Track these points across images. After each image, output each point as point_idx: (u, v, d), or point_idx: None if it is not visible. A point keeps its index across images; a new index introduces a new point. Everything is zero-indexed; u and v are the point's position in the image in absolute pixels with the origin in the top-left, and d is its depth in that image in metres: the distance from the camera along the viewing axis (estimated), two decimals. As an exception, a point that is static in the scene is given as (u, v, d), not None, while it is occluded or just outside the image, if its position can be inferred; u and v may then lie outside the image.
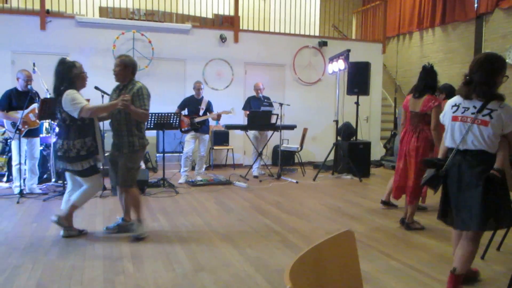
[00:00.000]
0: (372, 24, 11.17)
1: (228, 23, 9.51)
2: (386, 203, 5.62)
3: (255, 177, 7.86)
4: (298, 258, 1.17)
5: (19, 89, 5.97)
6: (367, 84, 8.38)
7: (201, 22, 9.43)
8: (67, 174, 4.27)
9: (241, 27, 9.42)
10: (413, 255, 3.81)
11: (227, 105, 7.73)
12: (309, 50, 9.86)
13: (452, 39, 10.69)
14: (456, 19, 10.44)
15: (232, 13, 9.53)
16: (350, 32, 12.11)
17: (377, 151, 10.27)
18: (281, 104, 7.73)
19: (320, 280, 1.29)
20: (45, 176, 6.77)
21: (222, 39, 9.07)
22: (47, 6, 8.10)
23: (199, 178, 7.26)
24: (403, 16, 12.13)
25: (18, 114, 5.80)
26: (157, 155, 8.50)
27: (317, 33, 10.65)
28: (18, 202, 5.49)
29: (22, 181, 5.95)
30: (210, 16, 9.75)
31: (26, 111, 5.80)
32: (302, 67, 9.79)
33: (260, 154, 7.94)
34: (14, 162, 6.00)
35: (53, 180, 6.78)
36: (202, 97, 7.30)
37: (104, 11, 8.88)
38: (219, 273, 3.34)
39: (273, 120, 7.71)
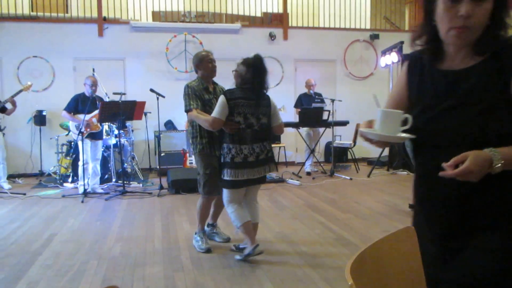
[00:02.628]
0: (426, 13, 10.73)
1: (277, 21, 9.50)
2: None
3: (308, 174, 7.81)
4: (357, 256, 1.15)
5: (87, 94, 6.31)
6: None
7: (250, 21, 9.49)
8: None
9: (290, 24, 9.38)
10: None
11: (278, 103, 7.65)
12: (360, 43, 9.65)
13: None
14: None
15: (281, 11, 9.52)
16: (403, 23, 11.72)
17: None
18: (332, 100, 7.63)
19: (381, 278, 1.26)
20: (106, 176, 7.10)
21: (272, 37, 9.08)
22: (104, 14, 8.47)
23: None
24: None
25: (82, 117, 6.13)
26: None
27: (368, 26, 10.39)
28: (82, 201, 5.80)
29: (86, 181, 6.27)
30: (259, 14, 9.78)
31: (89, 115, 6.11)
32: (353, 61, 9.60)
33: (312, 151, 7.89)
34: (79, 163, 6.34)
35: (113, 180, 7.09)
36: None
37: (156, 15, 9.15)
38: (275, 270, 3.35)
39: (325, 116, 7.63)
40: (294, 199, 5.89)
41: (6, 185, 6.72)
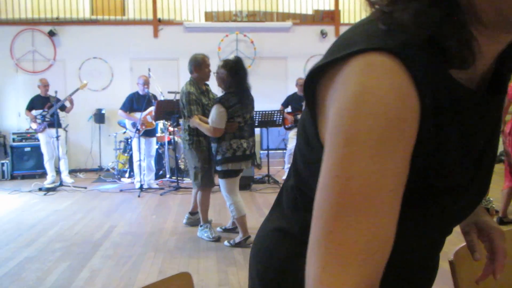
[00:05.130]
0: None
1: (328, 18, 9.41)
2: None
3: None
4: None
5: (140, 93, 6.56)
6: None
7: (301, 19, 9.45)
8: None
9: (341, 21, 9.25)
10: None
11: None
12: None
13: None
14: None
15: (332, 8, 9.41)
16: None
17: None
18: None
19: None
20: (160, 172, 7.33)
21: (323, 34, 9.00)
22: (159, 15, 8.74)
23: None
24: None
25: (137, 115, 6.37)
26: (261, 152, 8.72)
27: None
28: (139, 196, 6.03)
29: (141, 176, 6.52)
30: (310, 12, 9.72)
31: (144, 113, 6.34)
32: None
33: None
34: (135, 159, 6.60)
35: (167, 176, 7.32)
36: (304, 93, 7.31)
37: (209, 16, 9.33)
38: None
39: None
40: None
41: (69, 179, 7.12)
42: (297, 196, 0.80)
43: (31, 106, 6.92)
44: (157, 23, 8.66)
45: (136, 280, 3.15)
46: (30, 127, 7.09)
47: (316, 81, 0.62)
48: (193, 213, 4.59)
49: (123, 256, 3.66)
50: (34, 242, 4.07)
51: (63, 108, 7.02)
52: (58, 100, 6.88)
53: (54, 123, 6.59)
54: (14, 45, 8.37)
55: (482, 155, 0.68)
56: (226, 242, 3.94)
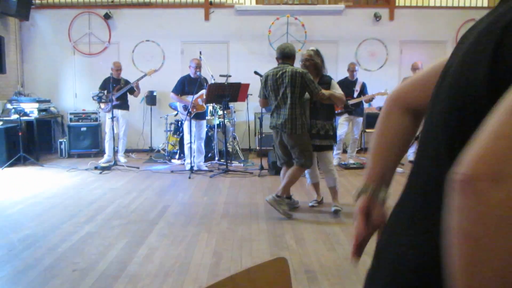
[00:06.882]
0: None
1: (383, 1, 9.09)
2: None
3: (410, 162, 7.45)
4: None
5: (191, 76, 6.65)
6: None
7: (354, 2, 9.19)
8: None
9: (396, 4, 8.91)
10: None
11: (381, 87, 7.44)
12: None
13: None
14: None
15: (387, -10, 9.08)
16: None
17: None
18: (442, 84, 7.15)
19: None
20: (209, 155, 7.44)
21: (377, 17, 8.71)
22: (210, -2, 8.77)
23: (351, 161, 7.19)
24: None
25: (189, 98, 6.46)
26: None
27: (485, 4, 9.51)
28: (189, 178, 6.15)
29: (192, 158, 6.64)
30: (363, -6, 9.43)
31: (195, 95, 6.42)
32: None
33: (417, 138, 7.49)
34: (186, 141, 6.72)
35: (216, 158, 7.41)
36: (357, 78, 7.16)
37: (260, -2, 9.25)
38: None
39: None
40: (398, 187, 5.65)
41: (123, 159, 7.38)
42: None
43: (103, 87, 7.26)
44: (208, 6, 8.68)
45: (192, 259, 3.23)
46: (99, 107, 7.43)
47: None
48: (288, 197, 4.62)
49: (178, 235, 3.76)
50: (94, 218, 4.26)
51: (132, 91, 7.30)
52: (127, 83, 7.18)
53: (121, 104, 7.09)
54: (72, 28, 8.66)
55: None
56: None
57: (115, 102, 7.04)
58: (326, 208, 4.62)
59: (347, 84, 7.10)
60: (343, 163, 7.10)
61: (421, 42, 8.88)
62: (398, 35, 8.80)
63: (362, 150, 8.75)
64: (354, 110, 6.98)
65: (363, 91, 7.12)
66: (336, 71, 8.65)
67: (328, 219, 4.26)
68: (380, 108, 7.61)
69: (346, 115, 7.06)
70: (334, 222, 4.16)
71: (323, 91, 4.32)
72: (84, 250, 3.42)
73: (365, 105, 7.94)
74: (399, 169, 6.69)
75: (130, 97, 7.60)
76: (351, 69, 7.15)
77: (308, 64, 4.44)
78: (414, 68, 7.57)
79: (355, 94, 7.04)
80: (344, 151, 7.75)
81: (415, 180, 0.76)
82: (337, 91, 4.46)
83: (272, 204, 4.25)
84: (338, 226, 4.04)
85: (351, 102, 6.95)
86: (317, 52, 4.54)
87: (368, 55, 8.89)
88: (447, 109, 0.67)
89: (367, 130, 8.68)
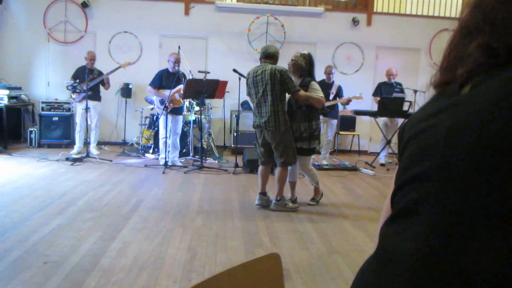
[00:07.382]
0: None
1: (361, 6, 9.25)
2: None
3: (382, 165, 7.65)
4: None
5: (170, 70, 6.60)
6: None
7: (334, 5, 9.32)
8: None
9: (374, 10, 9.10)
10: None
11: (356, 90, 7.60)
12: (449, 33, 9.10)
13: None
14: None
15: (366, -5, 9.25)
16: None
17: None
18: (415, 91, 7.36)
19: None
20: (184, 150, 7.41)
21: (355, 22, 8.87)
22: (191, -7, 8.71)
23: (324, 162, 7.31)
24: None
25: (166, 92, 6.41)
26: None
27: (459, 15, 9.81)
28: (164, 173, 6.12)
29: (166, 153, 6.60)
30: (342, -2, 9.58)
31: (173, 90, 6.38)
32: (440, 51, 8.90)
33: (388, 142, 7.69)
34: (161, 136, 6.67)
35: (191, 155, 7.39)
36: (333, 81, 7.28)
37: (241, -4, 9.25)
38: (353, 257, 3.36)
39: (405, 107, 7.38)
40: (369, 189, 5.81)
41: (95, 151, 7.26)
42: None
43: (75, 76, 7.11)
44: (189, 1, 8.62)
45: (166, 254, 3.23)
46: (71, 97, 7.29)
47: None
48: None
49: (152, 230, 3.74)
50: (65, 210, 4.18)
51: (103, 83, 7.23)
52: (101, 74, 7.08)
53: (93, 95, 7.01)
54: (47, 14, 8.44)
55: None
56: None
57: (87, 93, 6.90)
58: (300, 207, 4.69)
59: (324, 86, 7.18)
60: (316, 163, 7.20)
61: (396, 49, 9.09)
62: (374, 40, 8.98)
63: (335, 151, 8.90)
64: (329, 112, 7.10)
65: (339, 93, 7.24)
66: (315, 73, 8.75)
67: (302, 218, 4.33)
68: (355, 112, 7.76)
69: (320, 117, 7.15)
70: (308, 221, 4.23)
71: (302, 92, 4.40)
72: (56, 242, 3.37)
73: (340, 108, 8.08)
74: (370, 172, 6.86)
75: (103, 89, 7.50)
76: (328, 72, 7.26)
77: (291, 63, 4.59)
78: (389, 74, 7.77)
79: (331, 97, 7.15)
80: (318, 152, 7.85)
81: None
82: (317, 92, 4.52)
83: (278, 209, 4.50)
84: (311, 224, 4.12)
85: (326, 104, 7.05)
86: (306, 56, 4.63)
87: (345, 59, 9.04)
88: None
89: (340, 132, 8.83)
